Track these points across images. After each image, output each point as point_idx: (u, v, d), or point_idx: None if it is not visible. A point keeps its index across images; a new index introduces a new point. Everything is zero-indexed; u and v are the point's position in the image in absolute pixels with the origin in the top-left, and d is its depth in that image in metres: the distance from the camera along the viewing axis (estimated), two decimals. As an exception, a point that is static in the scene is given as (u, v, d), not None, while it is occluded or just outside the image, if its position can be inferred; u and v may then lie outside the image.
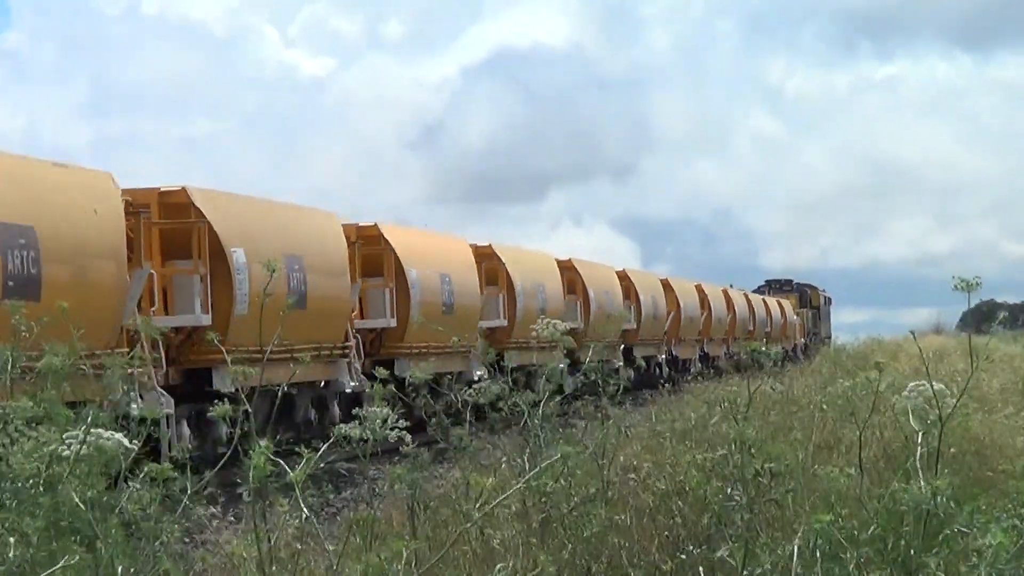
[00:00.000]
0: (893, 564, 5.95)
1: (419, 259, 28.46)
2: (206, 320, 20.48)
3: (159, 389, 19.35)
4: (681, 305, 49.65)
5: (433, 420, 9.65)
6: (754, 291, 71.63)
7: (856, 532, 5.98)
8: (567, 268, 38.64)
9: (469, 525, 7.03)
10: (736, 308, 58.72)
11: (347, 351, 25.30)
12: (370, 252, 26.94)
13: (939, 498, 5.91)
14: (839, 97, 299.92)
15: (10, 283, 15.92)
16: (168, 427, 19.64)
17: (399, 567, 5.85)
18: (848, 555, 5.91)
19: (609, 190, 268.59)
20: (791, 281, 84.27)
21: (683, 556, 7.49)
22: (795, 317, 74.45)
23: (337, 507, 18.34)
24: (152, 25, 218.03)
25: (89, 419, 5.97)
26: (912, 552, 5.93)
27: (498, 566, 6.30)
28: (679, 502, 8.62)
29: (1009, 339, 57.01)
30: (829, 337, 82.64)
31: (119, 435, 5.93)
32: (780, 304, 70.73)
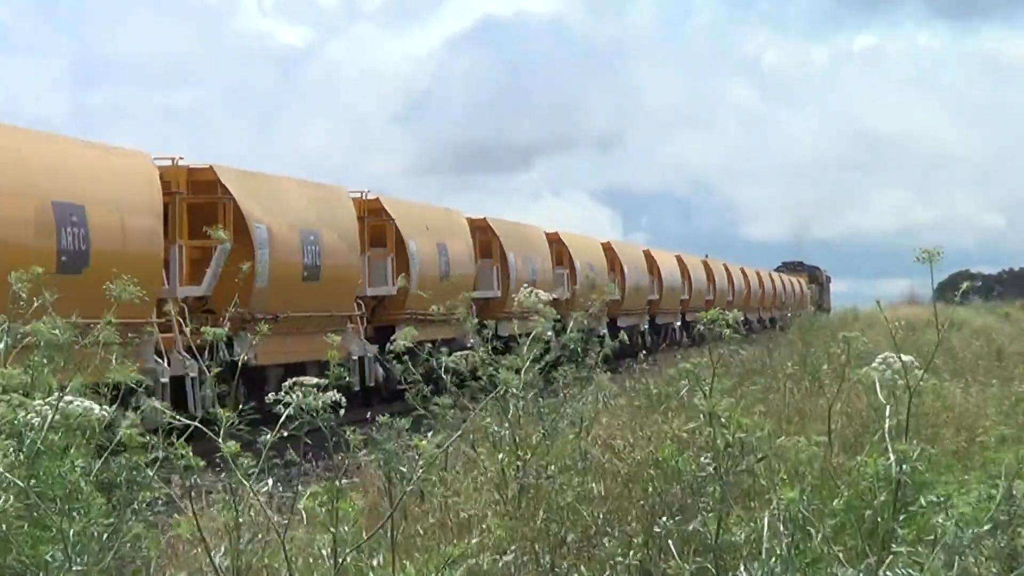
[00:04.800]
0: (864, 536, 5.87)
1: (515, 245, 37.24)
2: (393, 291, 29.19)
3: (364, 340, 28.06)
4: (692, 279, 58.93)
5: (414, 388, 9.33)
6: (774, 270, 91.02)
7: (824, 505, 5.94)
8: (608, 249, 47.57)
9: (409, 488, 6.91)
10: (776, 284, 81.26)
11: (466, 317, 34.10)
12: (483, 240, 35.70)
13: (908, 468, 5.83)
14: (821, 68, 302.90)
15: (304, 272, 24.69)
16: (368, 366, 28.31)
17: (351, 528, 5.77)
18: (817, 528, 5.85)
19: (592, 160, 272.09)
20: (802, 263, 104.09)
21: (656, 528, 7.33)
22: (807, 291, 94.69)
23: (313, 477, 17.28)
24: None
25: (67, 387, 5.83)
26: (881, 522, 5.86)
27: (472, 542, 6.26)
28: (651, 471, 8.38)
29: (984, 310, 59.87)
30: (830, 307, 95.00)
31: (88, 402, 5.73)
32: (798, 281, 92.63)
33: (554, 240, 42.09)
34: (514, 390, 8.57)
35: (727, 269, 67.25)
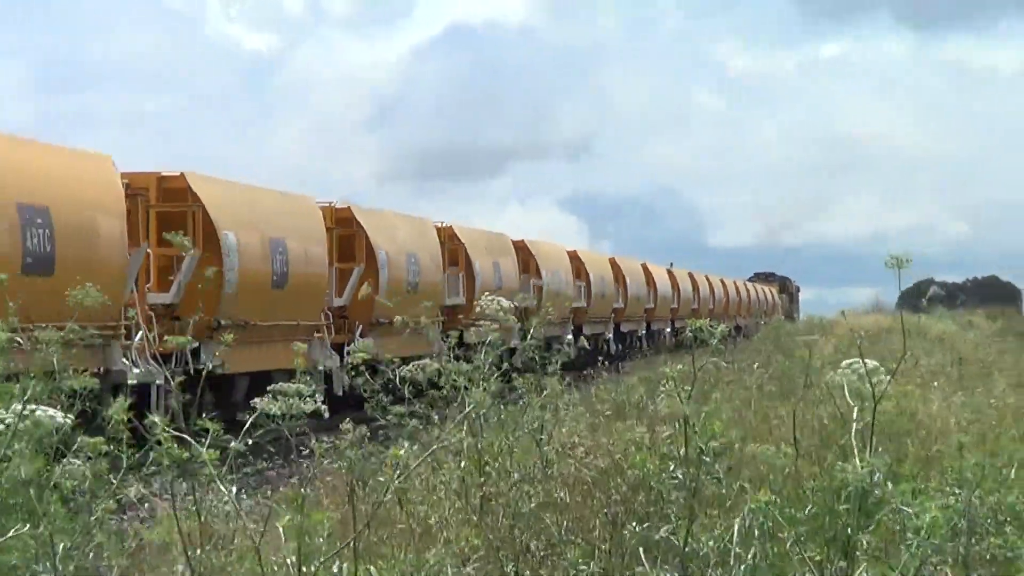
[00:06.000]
0: (830, 543, 5.87)
1: (545, 262, 44.58)
2: (463, 301, 36.17)
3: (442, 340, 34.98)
4: (681, 289, 66.53)
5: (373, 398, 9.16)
6: (748, 279, 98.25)
7: (792, 511, 5.90)
8: (613, 264, 54.87)
9: (387, 496, 7.18)
10: (751, 294, 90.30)
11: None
12: (523, 258, 42.90)
13: (875, 476, 5.82)
14: (789, 75, 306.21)
15: (408, 287, 31.61)
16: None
17: (324, 538, 5.85)
18: (785, 534, 5.85)
19: (561, 167, 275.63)
20: (773, 273, 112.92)
21: (625, 533, 7.32)
22: (778, 300, 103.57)
23: (276, 484, 17.33)
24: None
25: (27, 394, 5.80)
26: (848, 530, 5.85)
27: (433, 551, 6.44)
28: (618, 479, 8.33)
29: (948, 318, 59.80)
30: (798, 315, 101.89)
31: (53, 410, 5.75)
32: (770, 291, 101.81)
33: (573, 256, 49.55)
34: (474, 400, 8.33)
35: (709, 280, 75.49)
